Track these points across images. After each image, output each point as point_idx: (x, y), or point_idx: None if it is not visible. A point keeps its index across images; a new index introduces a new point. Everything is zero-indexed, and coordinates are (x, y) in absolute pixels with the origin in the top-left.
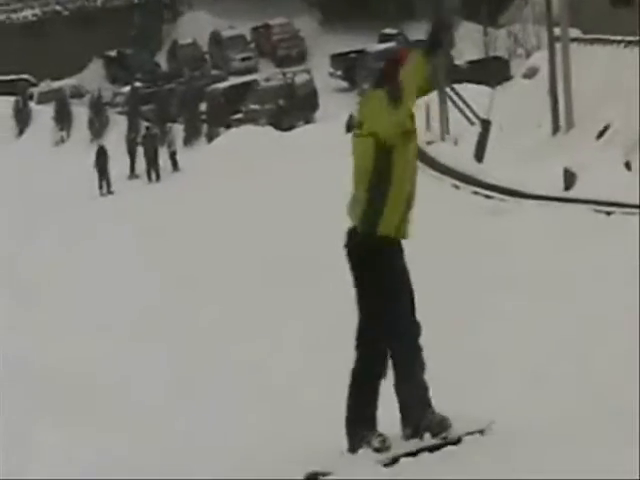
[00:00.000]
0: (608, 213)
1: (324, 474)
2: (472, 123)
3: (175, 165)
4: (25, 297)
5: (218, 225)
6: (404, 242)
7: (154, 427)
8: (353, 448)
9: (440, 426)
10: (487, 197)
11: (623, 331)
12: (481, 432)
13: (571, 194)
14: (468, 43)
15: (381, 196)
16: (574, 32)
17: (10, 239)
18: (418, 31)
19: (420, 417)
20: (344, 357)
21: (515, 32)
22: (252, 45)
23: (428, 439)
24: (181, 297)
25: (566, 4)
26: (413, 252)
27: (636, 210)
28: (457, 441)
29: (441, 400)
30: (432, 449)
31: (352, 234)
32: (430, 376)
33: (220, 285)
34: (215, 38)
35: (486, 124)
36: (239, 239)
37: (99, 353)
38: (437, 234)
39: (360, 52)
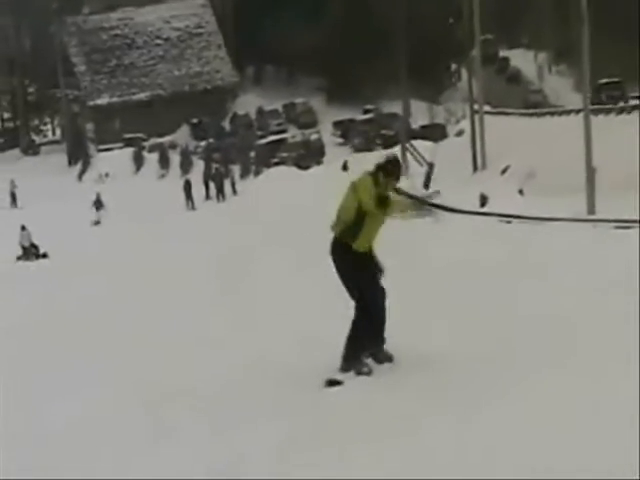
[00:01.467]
0: (508, 222)
1: (339, 382)
2: (422, 165)
3: (235, 191)
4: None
5: (262, 227)
6: None
7: None
8: (345, 369)
9: (389, 358)
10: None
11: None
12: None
13: (484, 210)
14: (420, 114)
15: (355, 232)
16: (487, 107)
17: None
18: (388, 106)
19: (379, 349)
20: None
21: (449, 107)
22: (283, 116)
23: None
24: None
25: (482, 89)
26: (382, 247)
27: (527, 220)
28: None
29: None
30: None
31: (335, 242)
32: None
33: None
34: (259, 111)
35: (431, 165)
36: (278, 235)
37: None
38: (398, 233)
39: (351, 120)
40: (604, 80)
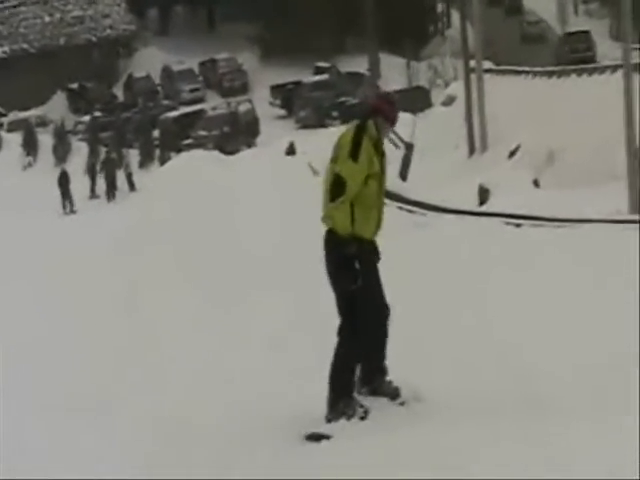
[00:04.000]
0: (517, 225)
1: (327, 437)
2: (397, 147)
3: (132, 186)
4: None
5: (169, 235)
6: None
7: None
8: (333, 418)
9: (395, 392)
10: (410, 212)
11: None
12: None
13: (485, 208)
14: (393, 74)
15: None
16: (487, 64)
17: None
18: (349, 64)
19: (379, 382)
20: None
21: (435, 65)
22: (200, 78)
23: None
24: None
25: (480, 39)
26: None
27: (544, 222)
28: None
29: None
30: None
31: (330, 236)
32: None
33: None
34: (166, 72)
35: (409, 147)
36: (188, 245)
37: None
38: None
39: (296, 83)
40: None
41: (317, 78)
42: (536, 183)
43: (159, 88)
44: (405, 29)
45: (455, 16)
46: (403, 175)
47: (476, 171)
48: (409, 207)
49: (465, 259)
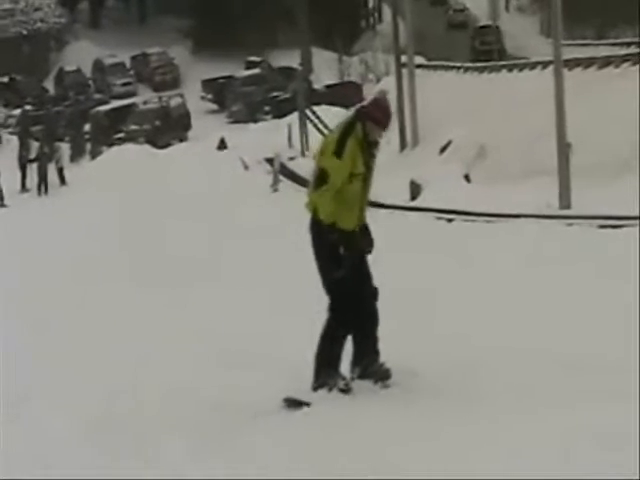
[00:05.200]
0: (449, 220)
1: (307, 404)
2: None
3: (62, 180)
4: None
5: (99, 228)
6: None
7: None
8: (318, 387)
9: (385, 374)
10: None
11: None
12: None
13: (416, 203)
14: (325, 69)
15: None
16: (419, 59)
17: None
18: (281, 58)
19: (370, 364)
20: None
21: (366, 59)
22: (131, 72)
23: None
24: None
25: (411, 34)
26: (284, 248)
27: (475, 217)
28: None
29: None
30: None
31: (314, 222)
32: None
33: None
34: (98, 65)
35: None
36: (118, 238)
37: None
38: (302, 238)
39: (228, 77)
40: None
41: (249, 73)
42: (467, 178)
43: (90, 82)
44: (337, 24)
45: (386, 11)
46: None
47: (408, 166)
48: None
49: (398, 253)
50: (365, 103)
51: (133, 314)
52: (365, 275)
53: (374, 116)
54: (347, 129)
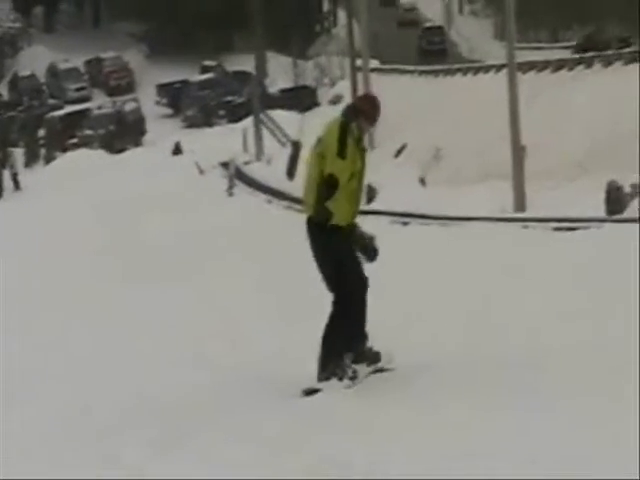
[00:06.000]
0: (404, 224)
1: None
2: (284, 145)
3: (17, 185)
4: None
5: (54, 231)
6: None
7: None
8: (324, 378)
9: (375, 358)
10: (298, 211)
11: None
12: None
13: (371, 207)
14: (280, 73)
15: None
16: (374, 63)
17: None
18: (235, 62)
19: (362, 348)
20: None
21: (321, 63)
22: (86, 76)
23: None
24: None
25: (366, 38)
26: (240, 255)
27: (430, 220)
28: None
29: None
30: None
31: (309, 221)
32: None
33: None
34: (52, 70)
35: (296, 145)
36: (74, 241)
37: None
38: (257, 241)
39: (183, 82)
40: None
41: (203, 77)
42: (422, 181)
43: (44, 87)
44: (292, 28)
45: (341, 15)
46: (290, 173)
47: None
48: (297, 206)
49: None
50: (353, 101)
51: (101, 309)
52: (358, 268)
53: (364, 109)
54: (345, 128)
